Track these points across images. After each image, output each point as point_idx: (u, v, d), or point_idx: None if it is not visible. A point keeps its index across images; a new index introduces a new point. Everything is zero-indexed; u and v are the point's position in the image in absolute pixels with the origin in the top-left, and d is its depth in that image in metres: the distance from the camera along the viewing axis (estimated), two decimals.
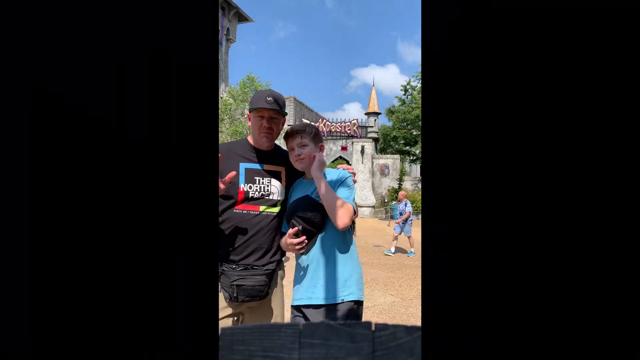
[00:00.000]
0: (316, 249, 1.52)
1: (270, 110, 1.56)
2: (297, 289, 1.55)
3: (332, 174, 1.60)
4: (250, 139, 1.68)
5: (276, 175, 1.64)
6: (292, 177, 1.68)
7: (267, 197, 1.60)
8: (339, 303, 1.47)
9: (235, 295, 1.49)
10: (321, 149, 1.60)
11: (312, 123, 16.72)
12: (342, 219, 1.42)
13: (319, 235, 1.53)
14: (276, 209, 1.62)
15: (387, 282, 5.34)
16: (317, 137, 1.60)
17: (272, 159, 1.66)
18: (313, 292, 1.50)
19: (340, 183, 1.55)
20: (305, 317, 1.53)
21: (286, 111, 1.64)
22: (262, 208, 1.59)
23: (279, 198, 1.62)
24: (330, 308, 1.47)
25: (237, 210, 1.56)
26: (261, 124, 1.57)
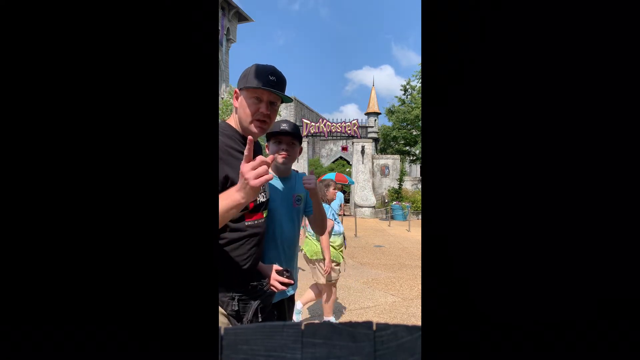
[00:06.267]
0: (291, 245, 1.67)
1: (272, 92, 1.16)
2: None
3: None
4: (233, 124, 1.25)
5: None
6: None
7: (265, 199, 1.32)
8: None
9: (260, 320, 1.24)
10: (300, 150, 1.70)
11: (313, 123, 16.70)
12: (326, 229, 1.89)
13: (289, 234, 1.66)
14: (266, 211, 1.34)
15: (387, 282, 5.34)
16: (300, 138, 1.68)
17: (254, 150, 1.28)
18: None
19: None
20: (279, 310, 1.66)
21: (290, 97, 1.31)
22: (265, 214, 1.30)
23: (268, 197, 1.34)
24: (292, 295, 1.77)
25: (248, 223, 1.22)
26: (257, 109, 1.17)
